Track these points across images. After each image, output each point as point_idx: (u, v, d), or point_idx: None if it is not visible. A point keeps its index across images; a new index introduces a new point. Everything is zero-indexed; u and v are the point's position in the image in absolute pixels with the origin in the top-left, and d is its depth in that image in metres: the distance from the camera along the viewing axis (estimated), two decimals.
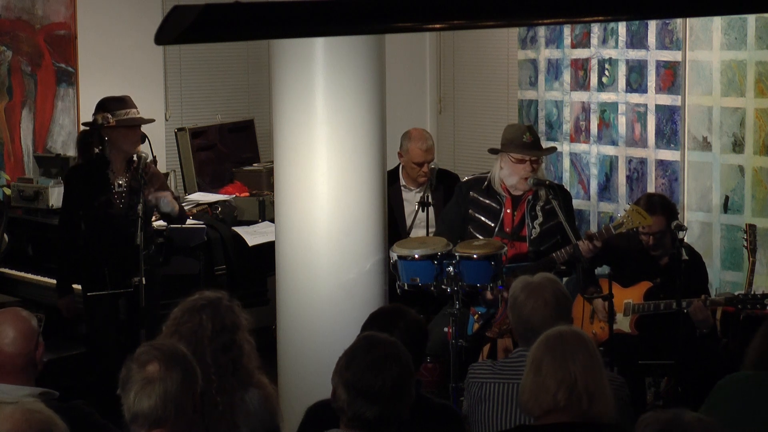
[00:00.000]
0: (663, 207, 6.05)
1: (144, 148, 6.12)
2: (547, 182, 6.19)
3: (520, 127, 6.33)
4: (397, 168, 6.96)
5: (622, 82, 7.35)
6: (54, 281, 6.51)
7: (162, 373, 3.39)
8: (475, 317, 5.98)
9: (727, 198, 6.87)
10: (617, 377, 4.26)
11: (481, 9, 2.46)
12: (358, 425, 3.40)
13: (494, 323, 5.88)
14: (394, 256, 5.80)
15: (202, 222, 7.07)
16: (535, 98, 7.84)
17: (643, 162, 7.27)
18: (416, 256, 5.72)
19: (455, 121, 8.71)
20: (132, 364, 3.44)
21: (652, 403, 6.17)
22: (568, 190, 7.07)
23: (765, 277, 6.63)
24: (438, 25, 3.17)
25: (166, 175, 7.37)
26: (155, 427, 3.39)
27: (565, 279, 6.23)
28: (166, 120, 8.09)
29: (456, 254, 5.69)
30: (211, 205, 7.37)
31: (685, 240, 5.79)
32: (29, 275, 7.09)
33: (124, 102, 6.16)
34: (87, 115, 7.16)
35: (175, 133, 7.82)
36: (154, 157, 6.13)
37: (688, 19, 6.88)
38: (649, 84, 7.20)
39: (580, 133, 7.61)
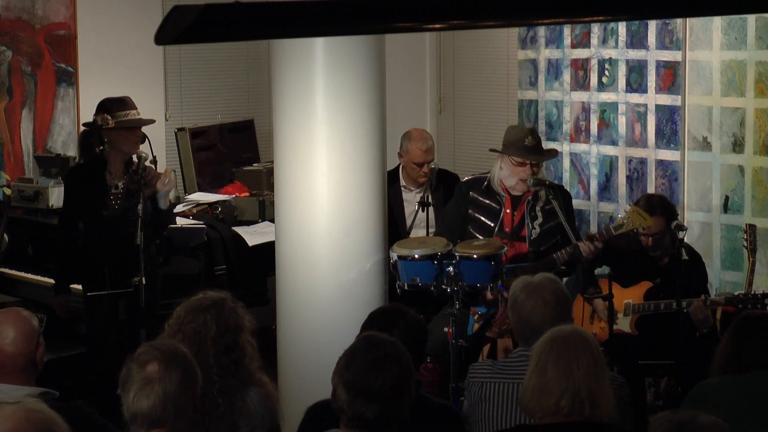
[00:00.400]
0: (662, 208, 6.05)
1: (144, 148, 6.12)
2: (547, 182, 6.19)
3: (523, 130, 6.32)
4: (397, 168, 6.96)
5: (622, 82, 7.35)
6: (53, 281, 6.51)
7: (161, 374, 3.39)
8: (475, 317, 5.98)
9: (727, 198, 6.87)
10: (617, 377, 4.26)
11: (481, 9, 2.46)
12: (358, 425, 3.40)
13: (494, 323, 5.88)
14: (394, 256, 5.80)
15: (202, 222, 7.07)
16: (535, 98, 7.84)
17: (643, 162, 7.27)
18: (416, 256, 5.72)
19: (455, 121, 8.71)
20: (132, 364, 3.44)
21: (652, 403, 6.18)
22: (568, 190, 7.07)
23: (765, 277, 6.63)
24: (438, 25, 3.17)
25: None
26: (154, 427, 3.39)
27: (565, 279, 6.23)
28: (166, 120, 8.09)
29: (456, 254, 5.69)
30: (211, 205, 7.37)
31: (685, 240, 5.79)
32: (29, 275, 7.09)
33: (124, 103, 6.15)
34: (87, 115, 7.17)
35: (175, 133, 7.82)
36: (154, 158, 6.13)
37: (688, 19, 6.88)
38: (649, 84, 7.20)
39: (580, 133, 7.61)
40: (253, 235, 7.18)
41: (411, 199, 6.89)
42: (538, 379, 3.49)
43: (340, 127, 5.76)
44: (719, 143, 6.89)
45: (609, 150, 7.45)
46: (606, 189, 7.48)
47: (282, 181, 5.90)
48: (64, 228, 6.25)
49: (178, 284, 6.32)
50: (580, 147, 7.61)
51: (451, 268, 5.63)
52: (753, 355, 4.07)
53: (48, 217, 7.06)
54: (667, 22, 7.03)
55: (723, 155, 6.88)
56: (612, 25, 7.25)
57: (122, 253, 5.95)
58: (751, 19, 6.66)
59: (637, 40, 7.24)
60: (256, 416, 4.02)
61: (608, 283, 5.74)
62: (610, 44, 7.39)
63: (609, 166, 7.46)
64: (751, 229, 6.19)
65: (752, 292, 5.87)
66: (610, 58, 7.39)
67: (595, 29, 7.41)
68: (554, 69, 7.71)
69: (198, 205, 7.39)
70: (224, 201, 7.42)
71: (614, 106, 7.40)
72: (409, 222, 6.87)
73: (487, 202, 6.28)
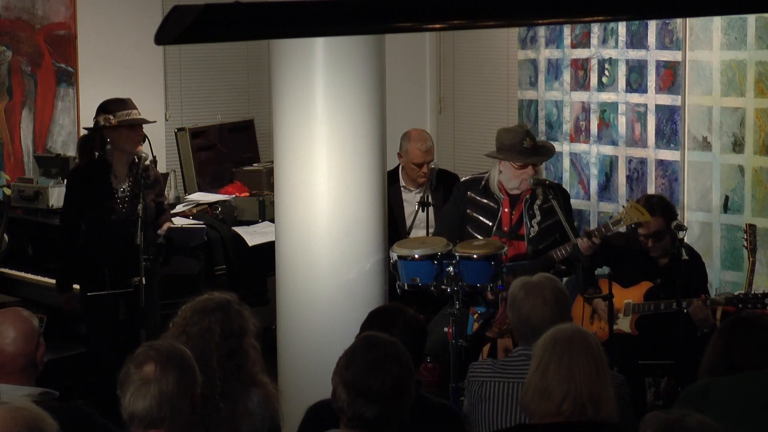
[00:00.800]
0: (662, 208, 6.05)
1: (144, 148, 6.12)
2: (547, 182, 6.19)
3: (519, 132, 6.28)
4: (396, 168, 6.96)
5: (622, 82, 7.35)
6: (54, 281, 6.51)
7: (158, 374, 3.39)
8: (475, 316, 5.98)
9: (727, 198, 6.87)
10: (618, 375, 4.26)
11: (481, 9, 2.46)
12: (358, 425, 3.40)
13: (494, 323, 5.88)
14: (394, 256, 5.80)
15: (202, 222, 7.07)
16: (535, 98, 7.84)
17: (643, 162, 7.27)
18: (416, 256, 5.73)
19: (455, 121, 8.71)
20: (130, 365, 3.44)
21: (652, 403, 6.17)
22: (569, 189, 7.07)
23: (765, 277, 6.63)
24: (438, 25, 3.17)
25: (166, 175, 7.37)
26: (151, 427, 3.40)
27: (565, 279, 6.23)
28: (166, 120, 8.09)
29: (456, 254, 5.70)
30: (211, 205, 7.37)
31: (685, 240, 5.79)
32: (29, 275, 7.09)
33: (125, 103, 6.16)
34: (87, 115, 7.17)
35: (175, 133, 7.82)
36: (154, 158, 6.13)
37: (688, 19, 6.88)
38: (649, 84, 7.20)
39: (580, 133, 7.61)
40: (253, 235, 7.18)
41: (411, 199, 6.89)
42: (540, 380, 3.48)
43: (340, 127, 5.76)
44: (719, 143, 6.89)
45: (609, 150, 7.45)
46: (606, 189, 7.48)
47: (282, 181, 5.90)
48: (66, 228, 6.26)
49: (178, 284, 6.32)
50: (580, 147, 7.61)
51: (451, 268, 5.64)
52: (744, 355, 4.07)
53: (48, 217, 7.06)
54: (667, 22, 7.03)
55: (723, 155, 6.88)
56: (612, 25, 7.25)
57: (122, 254, 5.95)
58: (751, 19, 6.66)
59: (637, 40, 7.24)
60: (257, 417, 4.02)
61: (608, 283, 5.74)
62: (610, 44, 7.39)
63: (609, 166, 7.46)
64: (751, 229, 6.19)
65: (752, 292, 5.88)
66: (610, 58, 7.40)
67: (595, 29, 7.41)
68: (554, 69, 7.71)
69: (198, 205, 7.39)
70: (224, 201, 7.42)
71: (614, 106, 7.40)
72: (409, 222, 6.87)
73: (485, 201, 6.28)
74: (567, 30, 7.58)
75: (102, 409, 3.94)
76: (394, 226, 6.49)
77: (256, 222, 7.35)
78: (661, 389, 6.24)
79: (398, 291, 5.80)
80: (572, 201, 7.18)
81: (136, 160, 6.09)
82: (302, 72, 5.74)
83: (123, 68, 7.85)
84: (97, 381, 6.02)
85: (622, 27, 7.27)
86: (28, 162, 7.62)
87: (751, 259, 6.12)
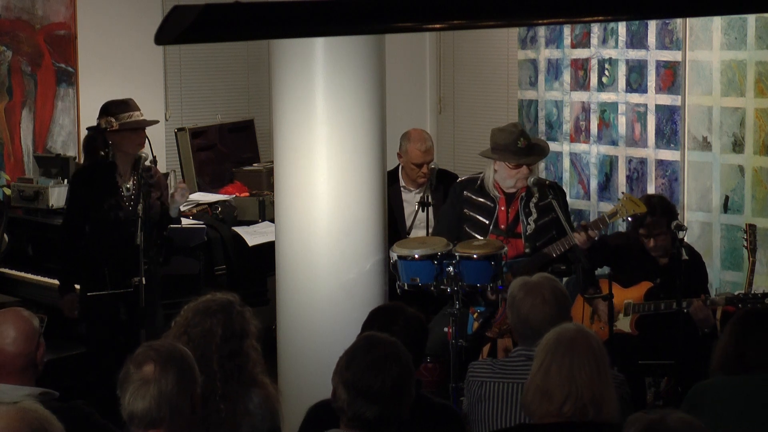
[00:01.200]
0: (662, 208, 6.05)
1: (144, 148, 6.12)
2: (547, 182, 6.20)
3: (513, 132, 6.26)
4: (396, 168, 6.96)
5: (622, 82, 7.35)
6: (54, 281, 6.51)
7: (157, 374, 3.39)
8: (474, 316, 5.98)
9: (727, 198, 6.87)
10: (618, 375, 4.26)
11: (481, 9, 2.46)
12: (358, 425, 3.40)
13: (494, 323, 5.88)
14: (394, 256, 5.80)
15: (202, 222, 7.07)
16: (535, 98, 7.84)
17: (643, 162, 7.27)
18: (416, 256, 5.73)
19: (455, 121, 8.71)
20: (129, 365, 3.45)
21: (652, 403, 6.17)
22: (568, 189, 7.06)
23: (765, 277, 6.63)
24: (438, 25, 3.17)
25: (166, 175, 7.37)
26: (151, 427, 3.40)
27: (565, 279, 6.23)
28: (166, 120, 8.09)
29: (456, 254, 5.70)
30: (211, 205, 7.37)
31: (685, 240, 5.79)
32: (29, 275, 7.09)
33: (127, 105, 6.16)
34: (87, 115, 7.18)
35: (175, 133, 7.82)
36: (154, 158, 6.13)
37: (688, 19, 6.88)
38: (649, 84, 7.20)
39: (580, 133, 7.61)
40: (253, 235, 7.18)
41: (411, 199, 6.89)
42: (541, 381, 3.48)
43: (340, 127, 5.76)
44: (719, 143, 6.89)
45: (609, 150, 7.45)
46: (606, 189, 7.48)
47: (282, 181, 5.90)
48: (68, 229, 6.25)
49: (178, 284, 6.32)
50: (580, 147, 7.61)
51: (451, 268, 5.64)
52: (758, 354, 4.01)
53: (48, 217, 7.06)
54: (667, 22, 7.03)
55: (723, 155, 6.88)
56: (612, 25, 7.25)
57: (122, 254, 5.95)
58: (751, 19, 6.66)
59: (637, 40, 7.24)
60: (257, 417, 4.02)
61: (608, 283, 5.74)
62: (610, 44, 7.39)
63: (609, 166, 7.46)
64: (751, 229, 6.19)
65: (752, 292, 5.88)
66: (610, 58, 7.39)
67: (595, 29, 7.40)
68: (554, 69, 7.71)
69: (198, 205, 7.39)
70: (224, 201, 7.42)
71: (614, 106, 7.40)
72: (408, 222, 6.87)
73: (482, 200, 6.29)
74: (567, 30, 7.58)
75: (102, 409, 3.94)
76: (394, 226, 6.49)
77: (256, 222, 7.35)
78: (661, 389, 6.24)
79: (398, 291, 5.80)
80: (572, 201, 7.19)
81: (137, 160, 6.09)
82: (302, 72, 5.74)
83: (123, 68, 7.85)
84: (97, 381, 6.01)
85: (622, 27, 7.27)
86: (28, 162, 7.62)
87: (751, 259, 6.13)
